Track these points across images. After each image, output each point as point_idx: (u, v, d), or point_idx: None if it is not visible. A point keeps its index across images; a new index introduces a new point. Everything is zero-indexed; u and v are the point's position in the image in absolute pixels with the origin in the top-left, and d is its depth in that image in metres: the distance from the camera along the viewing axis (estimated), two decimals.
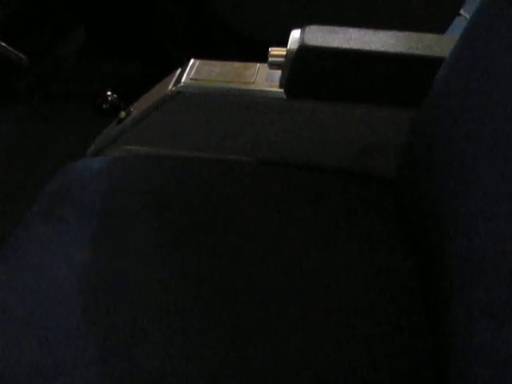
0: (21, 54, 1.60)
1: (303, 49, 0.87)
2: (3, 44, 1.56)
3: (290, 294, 0.71)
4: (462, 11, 1.54)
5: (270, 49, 0.91)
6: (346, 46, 0.87)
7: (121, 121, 1.01)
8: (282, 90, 0.92)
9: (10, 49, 1.58)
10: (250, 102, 0.93)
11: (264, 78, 0.95)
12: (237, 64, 0.99)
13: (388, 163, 0.93)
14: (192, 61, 1.01)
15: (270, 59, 0.92)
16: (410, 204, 0.83)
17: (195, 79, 0.95)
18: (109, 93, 1.02)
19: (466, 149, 0.67)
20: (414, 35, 0.91)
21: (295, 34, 0.91)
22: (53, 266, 0.72)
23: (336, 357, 0.64)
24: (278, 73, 0.92)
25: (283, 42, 0.90)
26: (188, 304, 0.68)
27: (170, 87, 0.95)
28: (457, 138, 0.71)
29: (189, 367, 0.61)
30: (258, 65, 0.98)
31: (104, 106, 1.02)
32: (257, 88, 0.94)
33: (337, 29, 0.91)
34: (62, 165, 0.91)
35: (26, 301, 0.67)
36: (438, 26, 1.43)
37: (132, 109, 1.02)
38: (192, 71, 0.97)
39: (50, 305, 0.67)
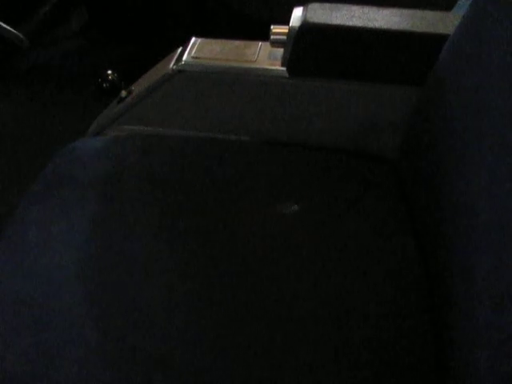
0: (21, 36, 1.59)
1: (305, 26, 0.86)
2: (3, 25, 1.55)
3: (290, 276, 0.70)
4: None
5: (271, 26, 0.91)
6: (348, 23, 0.86)
7: (121, 100, 1.00)
8: (284, 69, 0.91)
9: (10, 30, 1.57)
10: (251, 80, 0.92)
11: (266, 57, 0.94)
12: (238, 42, 0.98)
13: (390, 142, 0.93)
14: (193, 39, 1.00)
15: (271, 37, 0.91)
16: (412, 183, 0.83)
17: (196, 57, 0.95)
18: (109, 72, 1.00)
19: (470, 127, 0.67)
20: (418, 12, 0.89)
21: (297, 12, 0.90)
22: (52, 247, 0.72)
23: (337, 337, 0.64)
24: (280, 51, 0.92)
25: (285, 21, 0.89)
26: (187, 285, 0.68)
27: (171, 66, 0.94)
28: (461, 117, 0.70)
29: (188, 350, 0.61)
30: (260, 43, 0.97)
31: (104, 85, 1.01)
32: (259, 66, 0.93)
33: (340, 6, 0.90)
34: (63, 145, 0.91)
35: (26, 281, 0.67)
36: (444, 4, 1.41)
37: (133, 88, 1.01)
38: (193, 50, 0.96)
39: (50, 285, 0.67)
